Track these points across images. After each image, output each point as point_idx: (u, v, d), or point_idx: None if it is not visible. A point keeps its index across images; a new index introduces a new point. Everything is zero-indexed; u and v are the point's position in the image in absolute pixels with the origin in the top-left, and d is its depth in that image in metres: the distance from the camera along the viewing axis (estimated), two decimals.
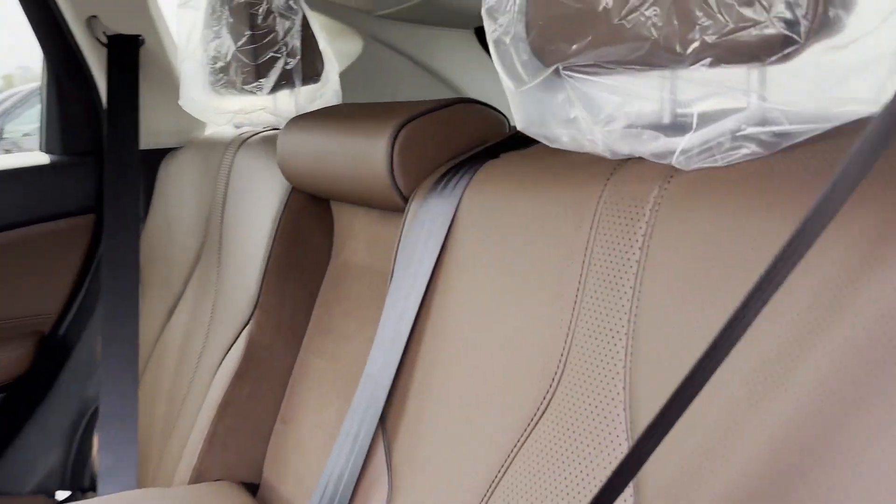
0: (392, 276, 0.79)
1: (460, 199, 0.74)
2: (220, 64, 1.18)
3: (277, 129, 1.29)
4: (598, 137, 0.59)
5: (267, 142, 1.18)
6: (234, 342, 1.09)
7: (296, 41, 1.11)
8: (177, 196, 1.42)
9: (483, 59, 1.81)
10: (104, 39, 1.42)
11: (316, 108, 1.20)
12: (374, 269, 0.97)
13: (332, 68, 1.22)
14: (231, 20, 1.15)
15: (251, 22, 1.13)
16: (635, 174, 0.59)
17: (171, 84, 1.51)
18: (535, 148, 0.73)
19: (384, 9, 1.60)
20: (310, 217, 1.07)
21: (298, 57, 1.12)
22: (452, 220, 0.74)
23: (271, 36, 1.13)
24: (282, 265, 1.06)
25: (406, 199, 0.82)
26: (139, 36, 1.44)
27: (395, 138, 0.80)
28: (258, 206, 1.10)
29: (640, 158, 0.60)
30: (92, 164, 1.53)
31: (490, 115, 0.86)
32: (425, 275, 0.74)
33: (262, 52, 1.14)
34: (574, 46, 0.57)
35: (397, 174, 0.81)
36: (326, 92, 1.22)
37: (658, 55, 0.53)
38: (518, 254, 0.66)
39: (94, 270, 1.56)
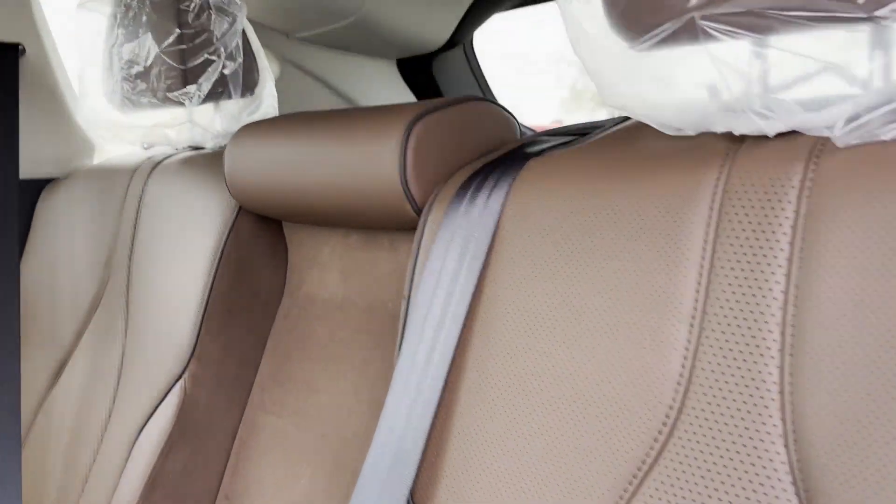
0: (408, 310, 0.64)
1: (503, 204, 0.60)
2: (137, 69, 0.99)
3: (199, 148, 1.10)
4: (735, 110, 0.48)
5: (191, 163, 1.00)
6: (161, 403, 0.87)
7: (236, 41, 0.95)
8: (63, 234, 1.18)
9: (404, 93, 1.70)
10: None
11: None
12: (353, 304, 0.81)
13: (269, 78, 1.06)
14: (155, 17, 0.97)
15: (180, 19, 0.96)
16: (763, 155, 0.49)
17: (54, 103, 1.28)
18: (594, 140, 0.62)
19: (304, 31, 1.46)
20: (260, 245, 0.90)
21: (240, 60, 0.96)
22: (495, 231, 0.60)
23: (205, 36, 0.96)
24: (226, 304, 0.87)
25: (418, 212, 0.68)
26: (19, 44, 1.21)
27: (408, 135, 0.66)
28: (189, 237, 0.91)
29: (761, 137, 0.50)
30: None
31: (502, 114, 0.74)
32: (462, 302, 0.60)
33: (193, 55, 0.96)
34: (693, 0, 0.47)
35: (411, 179, 0.67)
36: (262, 105, 1.05)
37: (839, 5, 0.43)
38: (599, 265, 0.54)
39: None
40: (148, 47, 0.96)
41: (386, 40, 1.53)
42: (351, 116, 0.73)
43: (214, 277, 0.86)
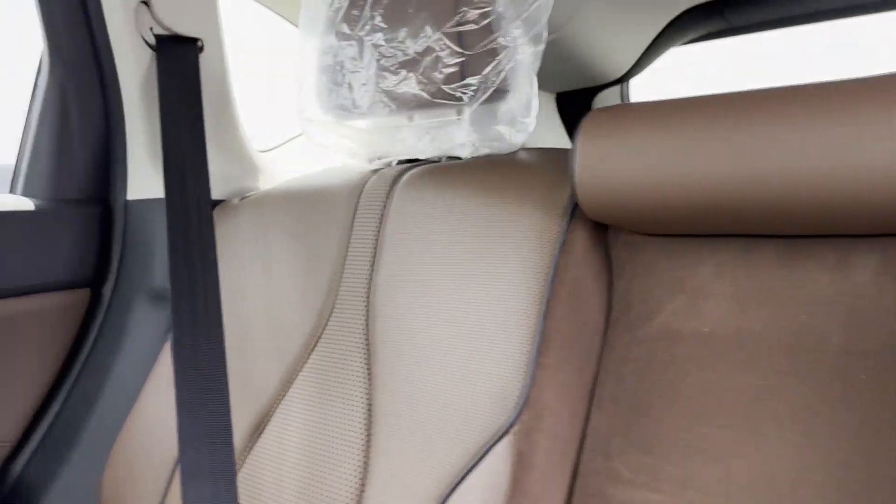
0: None
1: None
2: (402, 57, 0.82)
3: (427, 161, 0.92)
4: None
5: (473, 170, 0.81)
6: (470, 471, 0.66)
7: (544, 20, 0.78)
8: (249, 267, 0.97)
9: (559, 130, 1.55)
10: (151, 39, 1.00)
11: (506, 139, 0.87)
12: (761, 339, 0.62)
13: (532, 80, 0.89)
14: None
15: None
16: None
17: (227, 113, 1.10)
18: None
19: None
20: (590, 263, 0.71)
21: (541, 46, 0.79)
22: None
23: (492, 17, 0.79)
24: (560, 336, 0.68)
25: None
26: (198, 40, 1.03)
27: None
28: (498, 257, 0.72)
29: None
30: (95, 216, 1.05)
31: None
32: None
33: (477, 39, 0.79)
34: None
35: None
36: (509, 111, 0.87)
37: None
38: None
39: (80, 372, 1.04)
40: (426, 29, 0.79)
41: (569, 66, 1.39)
42: (819, 88, 0.56)
43: (549, 302, 0.67)
